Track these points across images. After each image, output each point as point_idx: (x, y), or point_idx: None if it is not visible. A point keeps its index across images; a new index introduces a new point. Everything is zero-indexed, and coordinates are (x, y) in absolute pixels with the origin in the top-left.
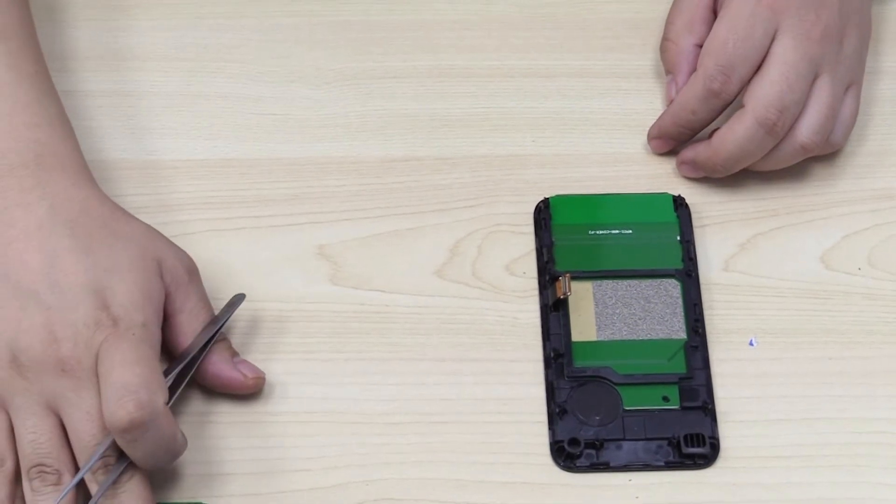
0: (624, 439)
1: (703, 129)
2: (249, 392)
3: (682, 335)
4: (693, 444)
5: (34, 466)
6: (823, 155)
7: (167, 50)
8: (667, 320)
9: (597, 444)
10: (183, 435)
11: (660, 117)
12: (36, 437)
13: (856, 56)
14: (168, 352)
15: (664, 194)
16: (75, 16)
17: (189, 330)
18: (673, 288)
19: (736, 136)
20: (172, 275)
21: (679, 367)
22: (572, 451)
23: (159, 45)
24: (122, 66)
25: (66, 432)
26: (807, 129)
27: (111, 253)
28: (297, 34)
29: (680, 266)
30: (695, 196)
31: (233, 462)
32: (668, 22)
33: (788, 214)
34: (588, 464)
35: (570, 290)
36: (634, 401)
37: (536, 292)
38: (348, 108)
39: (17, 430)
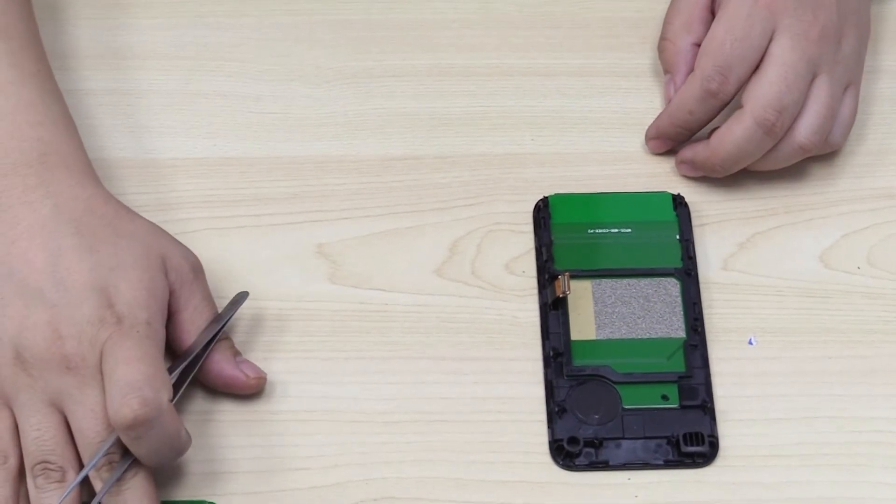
0: (623, 438)
1: (700, 130)
2: (251, 392)
3: (682, 334)
4: (692, 443)
5: (38, 464)
6: (822, 155)
7: (167, 48)
8: (666, 319)
9: (596, 443)
10: (187, 432)
11: (657, 117)
12: (40, 434)
13: (854, 56)
14: (172, 349)
15: (663, 193)
16: (75, 14)
17: (193, 328)
18: (672, 287)
19: (734, 136)
20: (177, 272)
21: (678, 365)
22: (571, 450)
23: (159, 43)
24: (121, 65)
25: (71, 430)
26: (805, 129)
27: (115, 251)
28: (296, 33)
29: (679, 265)
30: (694, 195)
31: (234, 460)
32: (666, 21)
33: (787, 213)
34: (587, 462)
35: (569, 288)
36: (634, 399)
37: (536, 291)
38: (348, 107)
39: (21, 428)
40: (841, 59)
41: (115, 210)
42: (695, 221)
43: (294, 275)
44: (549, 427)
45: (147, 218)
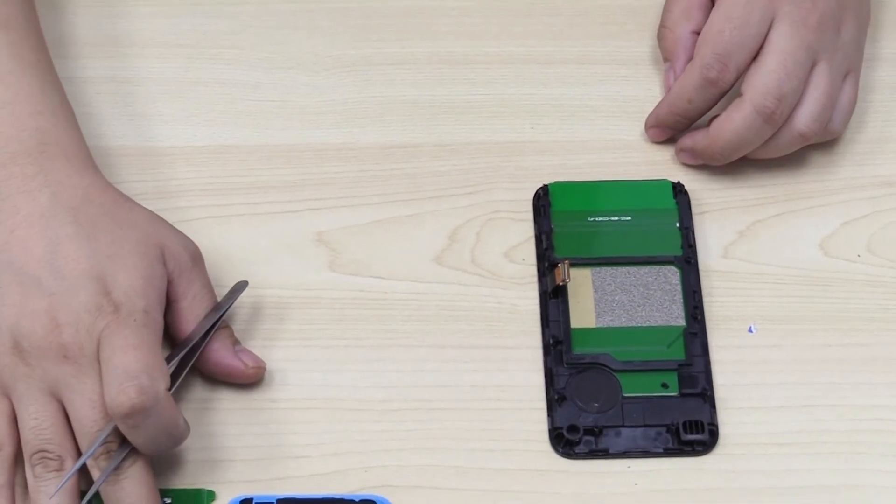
0: (623, 426)
1: (700, 118)
2: (249, 381)
3: (682, 322)
4: (692, 431)
5: (36, 452)
6: (822, 142)
7: (165, 36)
8: (666, 307)
9: (596, 431)
10: (185, 420)
11: (657, 106)
12: (38, 423)
13: (853, 43)
14: (170, 338)
15: (663, 181)
16: (74, 2)
17: (192, 316)
18: (672, 275)
19: (734, 124)
20: (176, 261)
21: (678, 353)
22: (571, 438)
23: (157, 31)
24: (119, 53)
25: (69, 418)
26: (805, 117)
27: (113, 240)
28: (295, 21)
29: (679, 253)
30: (694, 183)
31: (233, 448)
32: (665, 9)
33: (788, 201)
34: (587, 450)
35: (569, 276)
36: (633, 387)
37: (535, 279)
38: (347, 95)
39: (19, 417)
40: (840, 47)
41: (114, 199)
42: (695, 209)
43: (293, 263)
44: (548, 415)
45: (146, 206)
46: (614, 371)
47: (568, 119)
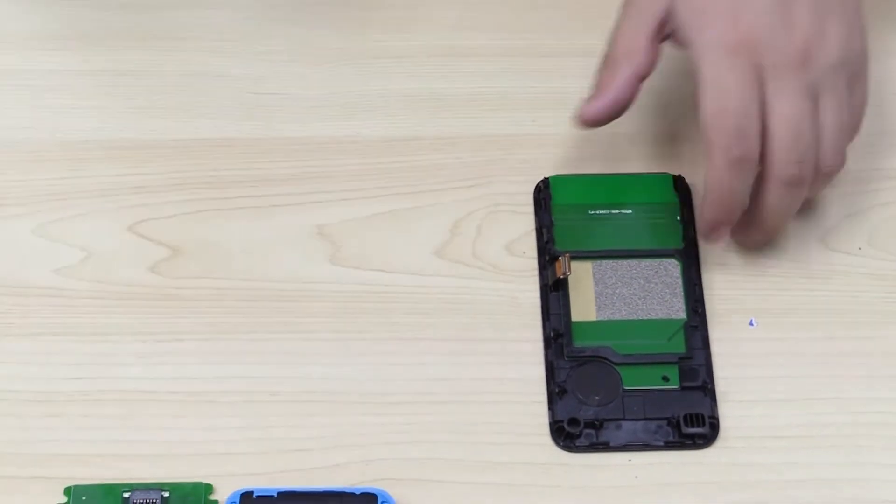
0: (623, 419)
1: (746, 202)
2: None
3: (682, 315)
4: (693, 424)
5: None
6: None
7: (167, 29)
8: (666, 300)
9: (596, 424)
10: None
11: (702, 211)
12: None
13: (847, 47)
14: None
15: (664, 174)
16: None
17: None
18: (673, 268)
19: (771, 206)
20: None
21: (679, 346)
22: (572, 431)
23: (157, 24)
24: (120, 45)
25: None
26: (827, 158)
27: None
28: (297, 13)
29: (680, 246)
30: (695, 176)
31: (233, 441)
32: (608, 45)
33: None
34: (588, 444)
35: (569, 269)
36: (634, 381)
37: (536, 272)
38: (348, 88)
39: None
40: (836, 61)
41: None
42: (696, 202)
43: (295, 256)
44: (549, 408)
45: (147, 198)
46: (615, 364)
47: (569, 112)
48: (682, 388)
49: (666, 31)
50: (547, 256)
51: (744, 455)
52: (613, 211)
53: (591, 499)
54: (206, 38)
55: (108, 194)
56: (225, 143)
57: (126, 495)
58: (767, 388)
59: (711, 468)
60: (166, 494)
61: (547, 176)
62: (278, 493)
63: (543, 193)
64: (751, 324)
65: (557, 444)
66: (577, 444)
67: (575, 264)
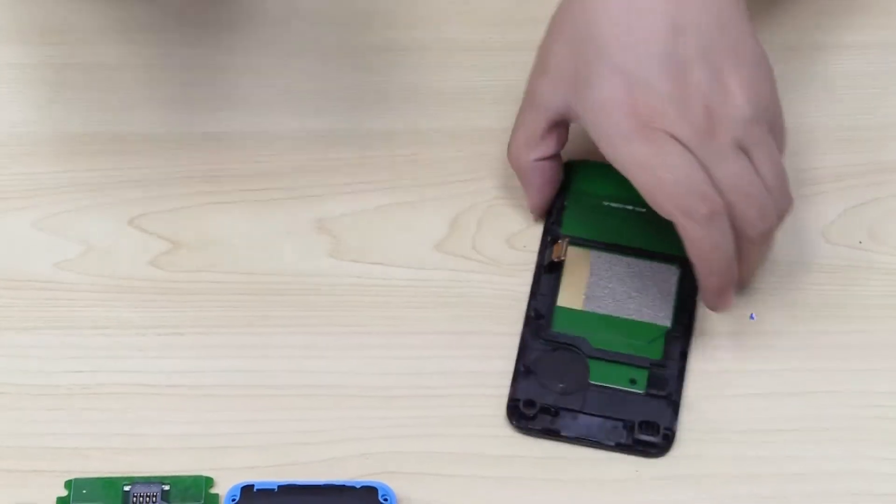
0: (582, 412)
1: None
2: None
3: (667, 323)
4: (647, 432)
5: None
6: (824, 129)
7: (167, 22)
8: (656, 305)
9: (552, 412)
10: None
11: (702, 290)
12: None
13: (758, 101)
14: None
15: None
16: None
17: None
18: (671, 274)
19: (750, 262)
20: None
21: (655, 352)
22: (526, 412)
23: (158, 18)
24: (124, 39)
25: None
26: (781, 203)
27: None
28: (297, 6)
29: (684, 254)
30: None
31: (232, 435)
32: (513, 131)
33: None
34: (539, 428)
35: (565, 254)
36: (601, 377)
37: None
38: (349, 81)
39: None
40: (750, 117)
41: None
42: None
43: (294, 249)
44: (511, 385)
45: (147, 191)
46: (587, 356)
47: None
48: (647, 394)
49: (567, 123)
50: (549, 237)
51: (743, 448)
52: (628, 206)
53: (587, 497)
54: (207, 32)
55: (108, 188)
56: (225, 137)
57: (126, 489)
58: (767, 382)
59: (709, 461)
60: (167, 488)
61: (571, 160)
62: (279, 487)
63: (564, 176)
64: (751, 318)
65: (510, 422)
66: (530, 426)
67: (575, 250)
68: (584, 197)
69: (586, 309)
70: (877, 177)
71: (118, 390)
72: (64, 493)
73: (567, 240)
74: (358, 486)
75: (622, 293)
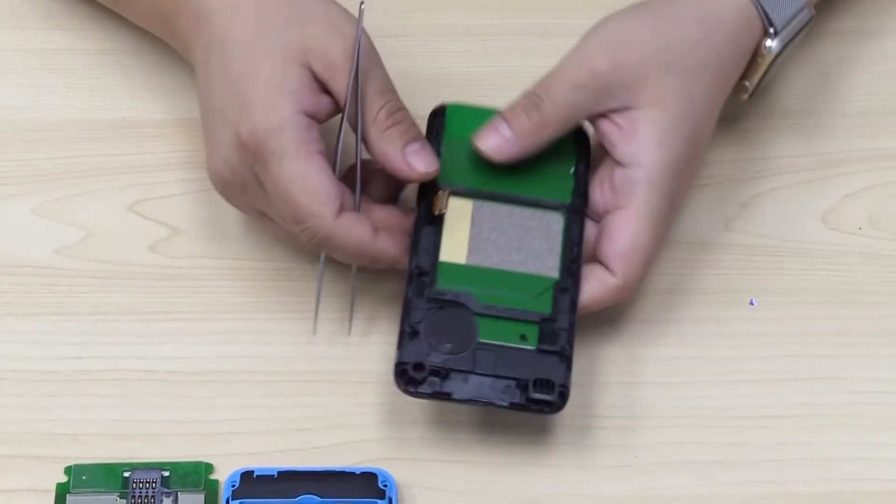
0: (472, 372)
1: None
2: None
3: (555, 274)
4: (542, 390)
5: None
6: (822, 115)
7: None
8: (542, 256)
9: (442, 373)
10: (384, 236)
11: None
12: None
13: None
14: None
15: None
16: None
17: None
18: (555, 222)
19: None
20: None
21: (544, 306)
22: (415, 376)
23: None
24: (119, 25)
25: None
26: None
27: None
28: None
29: (567, 201)
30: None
31: (234, 421)
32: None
33: (789, 174)
34: (430, 391)
35: (446, 207)
36: (491, 334)
37: None
38: None
39: None
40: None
41: None
42: (697, 182)
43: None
44: (397, 348)
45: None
46: (474, 313)
47: None
48: (539, 351)
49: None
50: (427, 187)
51: (744, 434)
52: None
53: (593, 477)
54: None
55: (107, 174)
56: None
57: (126, 475)
58: (767, 368)
59: (713, 447)
60: (166, 474)
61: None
62: (279, 473)
63: (438, 121)
64: (751, 303)
65: (399, 386)
66: (419, 390)
67: (455, 201)
68: (461, 143)
69: (470, 263)
70: (877, 163)
71: (118, 376)
72: (64, 479)
73: (448, 191)
74: (358, 472)
75: (506, 244)
